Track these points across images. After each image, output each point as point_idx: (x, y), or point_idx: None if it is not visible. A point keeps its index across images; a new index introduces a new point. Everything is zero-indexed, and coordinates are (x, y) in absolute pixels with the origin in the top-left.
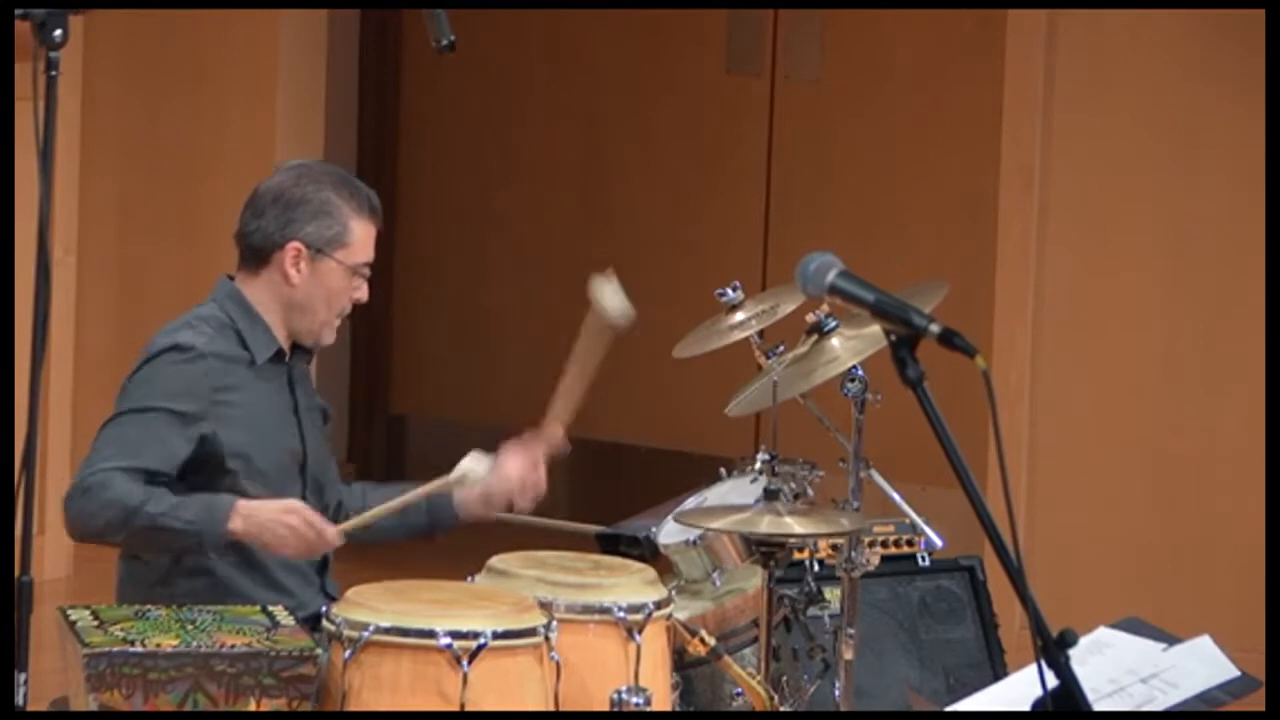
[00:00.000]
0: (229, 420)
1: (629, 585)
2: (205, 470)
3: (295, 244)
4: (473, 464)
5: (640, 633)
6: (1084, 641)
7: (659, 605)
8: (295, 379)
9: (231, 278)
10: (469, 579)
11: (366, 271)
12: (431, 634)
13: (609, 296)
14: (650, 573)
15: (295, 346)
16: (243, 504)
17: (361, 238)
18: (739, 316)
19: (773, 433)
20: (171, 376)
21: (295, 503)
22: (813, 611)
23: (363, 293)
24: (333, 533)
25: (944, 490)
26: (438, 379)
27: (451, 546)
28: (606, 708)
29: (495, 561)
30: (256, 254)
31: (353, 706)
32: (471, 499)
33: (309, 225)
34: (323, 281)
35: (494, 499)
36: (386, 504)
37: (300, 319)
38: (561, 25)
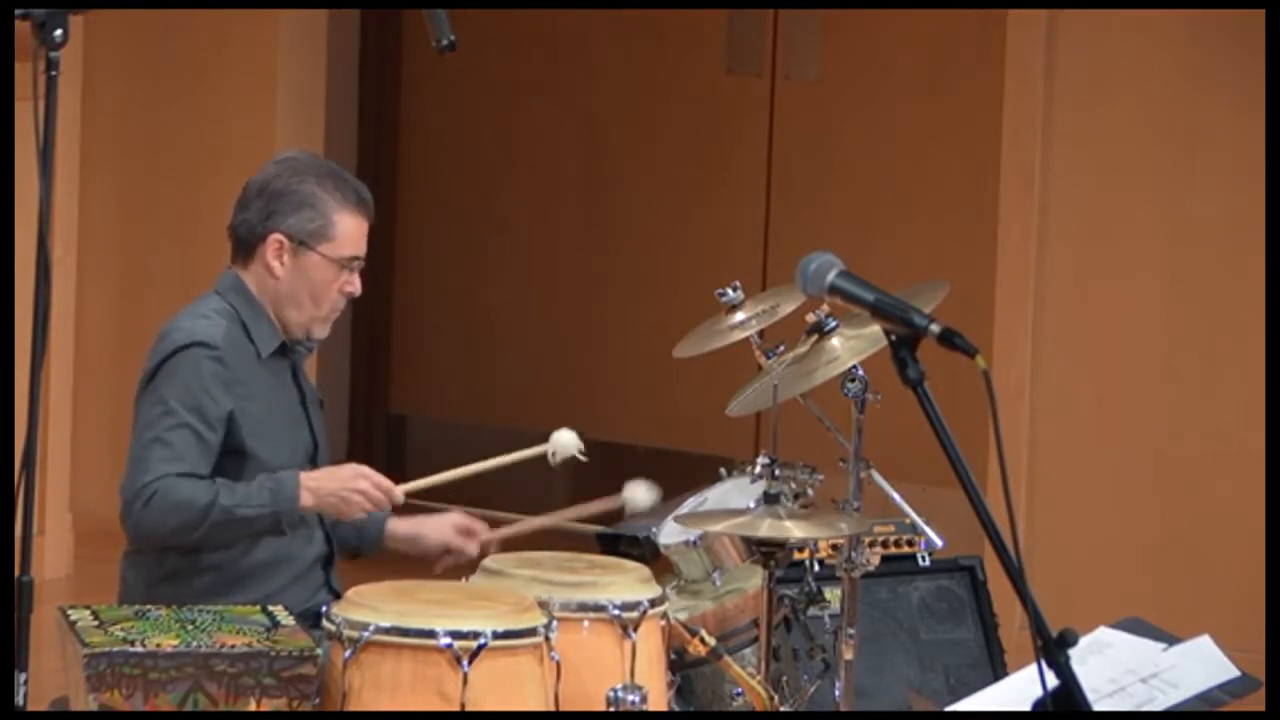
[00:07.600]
0: (245, 414)
1: (624, 583)
2: (221, 463)
3: (277, 236)
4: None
5: (635, 630)
6: (1084, 641)
7: (653, 603)
8: (298, 370)
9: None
10: (464, 580)
11: (356, 265)
12: (432, 634)
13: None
14: (645, 571)
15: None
16: (306, 478)
17: (347, 231)
18: (739, 316)
19: (773, 433)
20: (200, 375)
21: (361, 467)
22: (813, 611)
23: (355, 285)
24: (398, 492)
25: (944, 490)
26: (438, 379)
27: None
28: (602, 705)
29: (489, 562)
30: (243, 245)
31: (353, 706)
32: (402, 532)
33: (291, 217)
34: (306, 274)
35: (421, 542)
36: (454, 471)
37: (287, 311)
38: (561, 25)
